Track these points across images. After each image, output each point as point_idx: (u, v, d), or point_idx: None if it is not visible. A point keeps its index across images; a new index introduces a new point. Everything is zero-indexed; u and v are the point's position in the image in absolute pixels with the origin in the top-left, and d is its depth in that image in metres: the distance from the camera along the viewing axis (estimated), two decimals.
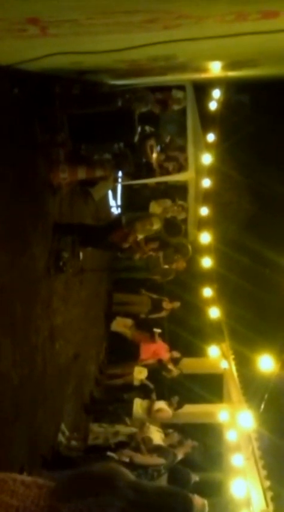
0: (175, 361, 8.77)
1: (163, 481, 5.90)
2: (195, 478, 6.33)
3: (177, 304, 9.55)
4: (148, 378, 8.21)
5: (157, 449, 6.29)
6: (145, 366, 8.55)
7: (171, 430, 7.11)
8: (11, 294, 4.80)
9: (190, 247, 8.86)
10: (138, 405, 7.46)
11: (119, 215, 9.51)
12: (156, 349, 8.85)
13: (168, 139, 9.45)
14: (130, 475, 2.41)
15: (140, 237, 7.26)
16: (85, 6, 2.40)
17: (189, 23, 2.86)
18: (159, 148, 9.06)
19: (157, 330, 9.09)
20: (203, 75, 8.09)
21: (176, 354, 8.88)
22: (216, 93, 9.33)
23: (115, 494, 2.21)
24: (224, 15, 2.65)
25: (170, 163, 9.29)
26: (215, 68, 6.83)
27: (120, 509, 2.19)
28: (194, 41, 3.52)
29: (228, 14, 2.61)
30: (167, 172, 9.23)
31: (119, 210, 10.05)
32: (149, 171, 8.93)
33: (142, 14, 2.62)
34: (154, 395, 7.51)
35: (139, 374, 8.30)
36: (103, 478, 2.29)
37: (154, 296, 9.63)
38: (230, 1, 2.39)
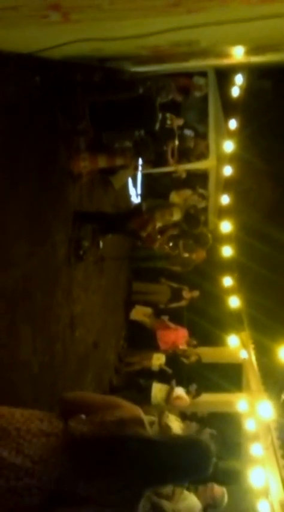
0: (193, 346, 8.79)
1: None
2: (211, 430, 6.34)
3: (196, 293, 9.51)
4: (167, 364, 8.22)
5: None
6: (162, 351, 8.57)
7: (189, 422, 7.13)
8: (32, 282, 4.83)
9: (210, 236, 8.80)
10: (157, 390, 7.47)
11: (140, 202, 9.48)
12: (175, 339, 8.85)
13: (192, 144, 9.18)
14: (145, 432, 2.18)
15: (159, 225, 7.21)
16: None
17: (212, 5, 2.80)
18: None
19: (165, 317, 9.10)
20: (225, 61, 7.95)
21: (193, 342, 8.88)
22: (238, 79, 9.19)
23: (123, 465, 2.02)
24: None
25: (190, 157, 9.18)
26: (237, 53, 6.71)
27: (138, 487, 2.04)
28: (218, 25, 3.44)
29: None
30: (188, 161, 9.15)
31: (139, 199, 10.01)
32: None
33: None
34: (173, 382, 7.51)
35: (157, 360, 8.32)
36: (111, 445, 2.06)
37: (174, 285, 9.61)
38: None
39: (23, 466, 1.95)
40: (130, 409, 2.25)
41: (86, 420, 2.14)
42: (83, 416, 2.17)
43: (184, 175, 9.10)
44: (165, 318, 9.20)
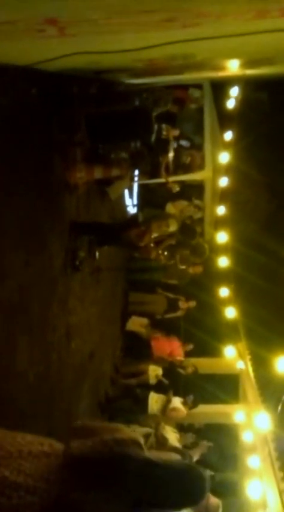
0: (188, 353, 8.77)
1: None
2: (210, 473, 6.30)
3: (193, 304, 9.52)
4: (164, 375, 8.20)
5: (172, 451, 6.27)
6: (157, 363, 8.55)
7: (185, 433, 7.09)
8: (28, 293, 4.83)
9: (206, 246, 8.83)
10: (154, 400, 7.44)
11: (136, 213, 9.51)
12: (171, 351, 8.84)
13: (188, 160, 9.21)
14: (142, 452, 2.26)
15: (155, 235, 7.23)
16: (104, 6, 2.39)
17: (208, 21, 2.84)
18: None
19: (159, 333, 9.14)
20: (221, 74, 8.03)
21: (189, 347, 8.87)
22: (234, 91, 9.28)
23: (121, 483, 2.10)
24: (244, 12, 2.62)
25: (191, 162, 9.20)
26: (233, 66, 6.78)
27: (126, 502, 2.09)
28: (212, 39, 3.49)
29: (248, 11, 2.58)
30: (183, 172, 9.19)
31: (135, 209, 10.04)
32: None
33: (161, 13, 2.60)
34: (171, 392, 7.49)
35: (154, 372, 8.30)
36: (111, 460, 2.15)
37: (170, 295, 9.61)
38: None
39: (24, 484, 2.03)
40: (128, 432, 2.35)
41: (87, 440, 2.23)
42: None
43: (177, 188, 9.14)
44: (159, 334, 9.22)
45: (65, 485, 2.07)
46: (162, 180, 8.85)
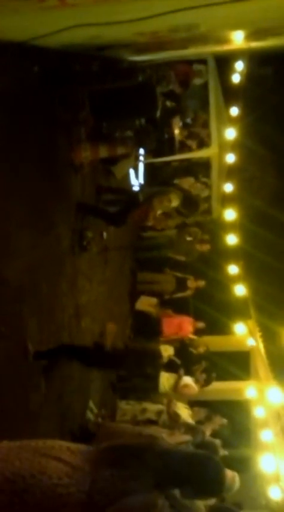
0: (199, 332, 8.75)
1: None
2: (224, 452, 6.34)
3: (201, 283, 9.47)
4: (175, 355, 8.21)
5: (185, 427, 6.31)
6: (169, 342, 8.55)
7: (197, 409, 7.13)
8: (37, 273, 4.82)
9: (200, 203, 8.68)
10: (165, 379, 7.46)
11: (136, 192, 9.41)
12: (179, 322, 8.81)
13: (191, 117, 9.22)
14: (164, 443, 2.49)
15: (159, 212, 7.16)
16: None
17: None
18: (181, 124, 8.90)
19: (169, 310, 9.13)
20: (225, 47, 7.87)
21: (200, 325, 8.85)
22: (239, 65, 9.11)
23: (143, 465, 2.28)
24: None
25: (193, 141, 9.12)
26: (238, 38, 6.63)
27: (148, 480, 2.25)
28: (217, 5, 3.39)
29: None
30: (189, 150, 9.09)
31: (141, 188, 9.95)
32: (171, 148, 8.82)
33: None
34: (181, 371, 7.50)
35: (165, 351, 8.30)
36: (136, 451, 2.40)
37: (179, 275, 9.57)
38: None
39: (63, 469, 2.35)
40: (151, 431, 2.77)
41: (116, 440, 2.61)
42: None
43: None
44: (169, 311, 9.20)
45: (97, 471, 2.36)
46: (170, 158, 8.75)
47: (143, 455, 2.38)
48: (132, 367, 4.95)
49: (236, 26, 5.57)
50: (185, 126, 8.92)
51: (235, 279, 9.28)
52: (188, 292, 9.53)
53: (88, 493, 2.29)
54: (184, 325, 8.82)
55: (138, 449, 2.42)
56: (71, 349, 5.16)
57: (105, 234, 7.10)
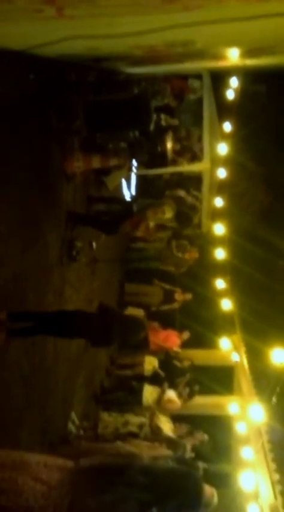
0: (185, 344, 8.75)
1: None
2: (203, 464, 6.30)
3: (189, 296, 9.48)
4: (159, 367, 8.18)
5: (166, 441, 6.26)
6: (154, 354, 8.53)
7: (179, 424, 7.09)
8: (23, 282, 4.78)
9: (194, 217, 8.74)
10: (149, 392, 7.43)
11: (130, 202, 9.43)
12: (166, 336, 8.80)
13: (184, 133, 9.28)
14: (143, 460, 2.48)
15: (151, 224, 7.18)
16: None
17: (209, 3, 2.78)
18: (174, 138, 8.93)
19: (155, 323, 9.10)
20: (220, 64, 7.94)
21: (185, 335, 8.84)
22: (233, 82, 9.18)
23: (129, 486, 2.26)
24: None
25: (185, 156, 9.17)
26: (233, 55, 6.69)
27: (135, 501, 2.24)
28: (213, 24, 3.42)
29: None
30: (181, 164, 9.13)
31: (131, 200, 9.96)
32: (164, 161, 8.84)
33: None
34: (165, 385, 7.47)
35: (150, 364, 8.27)
36: (119, 470, 2.39)
37: (167, 286, 9.57)
38: None
39: (40, 490, 2.31)
40: (133, 449, 2.82)
41: (94, 457, 2.58)
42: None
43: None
44: (155, 324, 9.19)
45: (78, 493, 2.32)
46: (162, 170, 8.78)
47: (125, 472, 2.35)
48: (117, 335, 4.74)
49: (232, 44, 5.63)
50: (178, 140, 8.96)
51: (222, 294, 9.29)
52: (175, 305, 9.53)
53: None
54: (171, 338, 8.80)
55: (119, 467, 2.39)
56: (46, 319, 4.64)
57: (94, 245, 7.07)
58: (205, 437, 6.92)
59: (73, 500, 2.28)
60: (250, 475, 6.52)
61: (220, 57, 6.86)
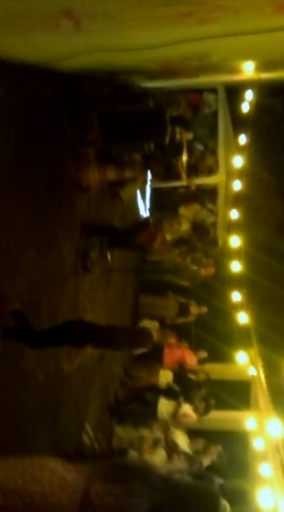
0: (202, 361, 8.64)
1: None
2: (220, 480, 6.20)
3: (204, 309, 9.41)
4: (174, 380, 8.10)
5: (183, 456, 6.19)
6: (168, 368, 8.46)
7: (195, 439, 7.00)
8: (38, 291, 4.80)
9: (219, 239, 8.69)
10: (163, 406, 7.36)
11: (146, 216, 9.47)
12: (181, 356, 8.73)
13: (198, 154, 9.28)
14: (161, 471, 2.42)
15: (168, 238, 7.19)
16: None
17: (225, 16, 2.79)
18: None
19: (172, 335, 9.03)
20: (235, 77, 7.98)
21: (203, 354, 8.74)
22: (248, 95, 9.21)
23: (146, 484, 2.21)
24: (263, 6, 2.57)
25: (201, 171, 9.19)
26: (248, 69, 6.72)
27: (148, 500, 2.18)
28: (229, 37, 3.44)
29: (267, 5, 2.53)
30: (197, 176, 9.15)
31: (147, 213, 10.00)
32: (179, 174, 8.86)
33: (178, 7, 2.57)
34: (181, 398, 7.39)
35: (164, 377, 8.20)
36: (137, 469, 2.30)
37: (182, 300, 9.52)
38: None
39: (57, 481, 2.19)
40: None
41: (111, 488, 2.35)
42: None
43: (194, 187, 9.10)
44: (172, 336, 9.12)
45: (91, 482, 2.20)
46: (178, 182, 8.81)
47: (143, 473, 2.32)
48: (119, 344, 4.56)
49: (247, 57, 5.66)
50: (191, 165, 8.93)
51: (238, 307, 9.21)
52: (190, 318, 9.46)
53: (79, 506, 2.22)
54: (187, 358, 8.71)
55: (137, 468, 2.33)
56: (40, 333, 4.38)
57: (109, 256, 7.09)
58: (220, 449, 6.80)
59: (87, 492, 2.19)
60: (268, 493, 6.38)
61: (235, 70, 6.90)
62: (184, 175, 8.38)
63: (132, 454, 5.81)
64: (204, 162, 9.05)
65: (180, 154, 8.03)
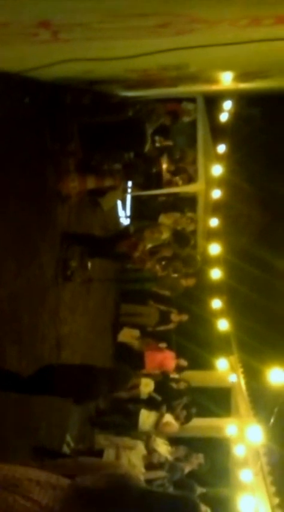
0: (180, 369, 8.67)
1: None
2: (201, 490, 6.20)
3: (185, 317, 9.45)
4: (156, 389, 8.10)
5: (164, 464, 6.18)
6: (150, 376, 8.44)
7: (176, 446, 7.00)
8: (18, 302, 4.76)
9: (199, 258, 8.81)
10: (145, 417, 7.35)
11: (127, 225, 9.49)
12: (162, 359, 8.75)
13: (178, 155, 9.41)
14: (139, 483, 2.42)
15: (149, 246, 7.22)
16: (97, 9, 2.38)
17: (201, 28, 2.84)
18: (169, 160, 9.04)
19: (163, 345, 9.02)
20: (214, 87, 8.09)
21: (183, 362, 8.77)
22: (227, 104, 9.34)
23: (123, 509, 2.21)
24: (238, 19, 2.62)
25: (180, 177, 9.27)
26: (226, 79, 6.82)
27: None
28: (206, 48, 3.49)
29: (242, 18, 2.58)
30: (176, 185, 9.22)
31: (128, 221, 10.02)
32: (159, 182, 8.92)
33: (154, 18, 2.60)
34: (164, 408, 7.39)
35: (146, 387, 8.19)
36: (112, 492, 2.31)
37: (162, 307, 9.54)
38: (245, 4, 2.35)
39: (31, 509, 2.24)
40: (130, 470, 2.66)
41: (90, 476, 2.46)
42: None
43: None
44: (151, 342, 9.13)
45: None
46: (157, 191, 8.87)
47: (120, 500, 2.29)
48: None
49: (225, 68, 5.74)
50: (173, 161, 9.06)
51: (218, 314, 9.27)
52: (171, 326, 9.49)
53: None
54: (167, 362, 8.74)
55: (114, 493, 2.33)
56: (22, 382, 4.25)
57: (89, 265, 7.07)
58: (201, 458, 6.82)
59: None
60: (249, 499, 6.41)
61: (214, 80, 6.99)
62: (170, 175, 8.40)
63: (109, 452, 5.76)
64: (186, 159, 9.14)
65: (159, 162, 8.09)
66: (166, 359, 8.78)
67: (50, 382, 4.20)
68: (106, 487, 2.35)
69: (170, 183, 9.10)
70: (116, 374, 4.60)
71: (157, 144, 7.99)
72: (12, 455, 4.44)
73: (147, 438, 6.61)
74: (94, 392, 4.44)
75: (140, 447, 6.30)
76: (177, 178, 9.10)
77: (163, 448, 6.58)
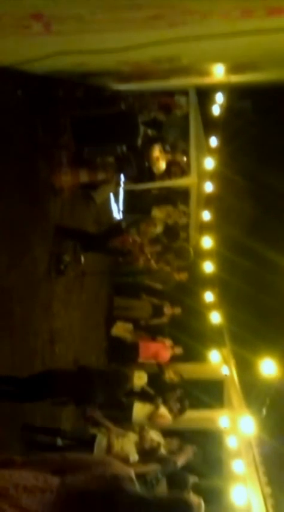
0: (175, 358, 8.71)
1: (162, 486, 5.81)
2: (194, 479, 6.24)
3: (178, 310, 9.48)
4: (149, 382, 8.12)
5: (156, 450, 6.21)
6: (144, 368, 8.47)
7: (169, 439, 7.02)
8: (11, 296, 4.76)
9: (191, 250, 8.82)
10: (139, 409, 7.36)
11: (119, 220, 9.48)
12: (157, 350, 8.77)
13: (169, 146, 9.44)
14: (131, 485, 2.38)
15: (142, 238, 7.23)
16: (89, 0, 2.38)
17: (193, 20, 2.84)
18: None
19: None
20: (206, 80, 8.08)
21: (178, 350, 8.81)
22: (219, 98, 9.34)
23: None
24: (229, 11, 2.63)
25: (176, 167, 9.28)
26: (218, 72, 6.82)
27: None
28: (198, 40, 3.50)
29: (233, 9, 2.59)
30: (173, 176, 9.23)
31: (121, 214, 10.01)
32: (152, 176, 8.93)
33: (147, 10, 2.60)
34: (159, 400, 7.41)
35: (139, 380, 8.20)
36: (103, 496, 2.26)
37: (155, 301, 9.57)
38: None
39: None
40: (121, 467, 2.49)
41: (80, 475, 2.37)
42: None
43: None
44: (142, 333, 9.16)
45: None
46: (150, 184, 8.87)
47: (113, 503, 2.26)
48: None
49: (216, 60, 5.75)
50: (165, 151, 9.05)
51: (210, 307, 9.32)
52: (164, 319, 9.52)
53: None
54: (161, 352, 8.77)
55: (105, 496, 2.27)
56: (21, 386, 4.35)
57: (82, 259, 7.07)
58: (195, 448, 6.85)
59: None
60: (242, 489, 6.47)
61: (206, 73, 6.99)
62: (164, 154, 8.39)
63: (101, 440, 5.78)
64: (177, 150, 9.16)
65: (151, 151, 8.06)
66: (161, 350, 8.81)
67: (50, 386, 4.25)
68: (97, 489, 2.29)
69: (163, 176, 9.10)
70: (113, 377, 4.65)
71: (149, 132, 7.97)
72: (7, 446, 4.45)
73: (140, 430, 6.63)
74: (92, 397, 4.51)
75: (132, 435, 6.32)
76: (174, 168, 9.12)
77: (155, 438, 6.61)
